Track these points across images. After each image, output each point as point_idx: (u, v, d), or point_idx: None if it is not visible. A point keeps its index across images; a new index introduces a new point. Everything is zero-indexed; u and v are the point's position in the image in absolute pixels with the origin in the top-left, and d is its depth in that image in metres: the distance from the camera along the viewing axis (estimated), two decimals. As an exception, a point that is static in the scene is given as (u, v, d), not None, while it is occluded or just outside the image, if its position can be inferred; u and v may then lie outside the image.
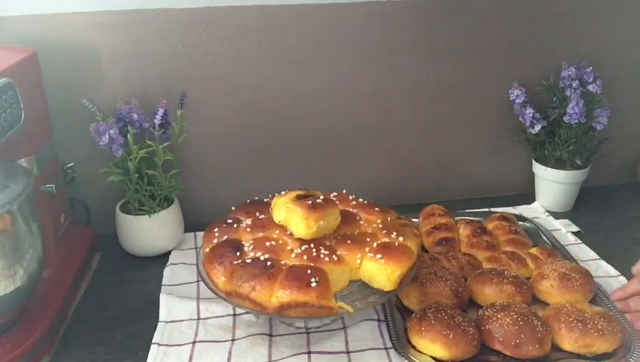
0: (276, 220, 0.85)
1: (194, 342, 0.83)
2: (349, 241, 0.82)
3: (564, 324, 0.78)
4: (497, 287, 0.87)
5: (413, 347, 0.79)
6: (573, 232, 1.12)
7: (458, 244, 1.04)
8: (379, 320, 0.86)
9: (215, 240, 0.85)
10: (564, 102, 1.15)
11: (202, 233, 0.90)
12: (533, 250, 0.99)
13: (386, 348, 0.80)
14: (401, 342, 0.80)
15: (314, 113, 1.16)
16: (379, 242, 0.83)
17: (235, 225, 0.87)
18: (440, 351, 0.76)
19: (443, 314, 0.79)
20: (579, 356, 0.77)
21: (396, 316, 0.85)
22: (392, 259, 0.78)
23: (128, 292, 0.96)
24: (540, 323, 0.78)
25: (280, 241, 0.82)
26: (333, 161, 1.21)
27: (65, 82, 1.03)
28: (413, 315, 0.83)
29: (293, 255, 0.79)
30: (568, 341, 0.77)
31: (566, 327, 0.78)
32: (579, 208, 1.22)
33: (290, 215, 0.82)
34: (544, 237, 1.06)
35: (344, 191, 0.96)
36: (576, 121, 1.12)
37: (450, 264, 0.95)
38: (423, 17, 1.12)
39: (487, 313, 0.81)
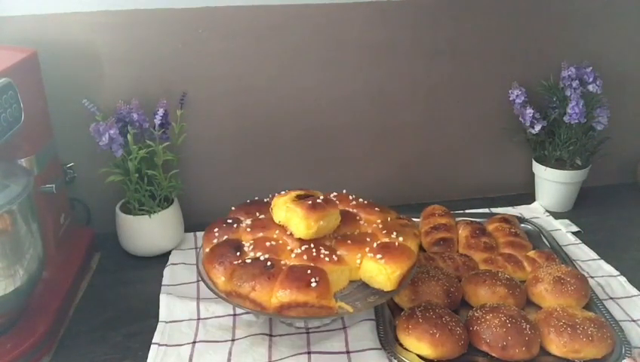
0: (276, 220, 0.85)
1: (194, 342, 0.82)
2: (349, 241, 0.82)
3: (554, 328, 0.78)
4: (490, 289, 0.87)
5: (401, 345, 0.79)
6: (573, 232, 1.12)
7: (456, 245, 1.04)
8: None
9: (215, 240, 0.85)
10: (564, 102, 1.15)
11: (202, 233, 0.90)
12: (532, 253, 0.99)
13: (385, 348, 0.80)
14: (389, 340, 0.80)
15: (314, 113, 1.16)
16: (379, 242, 0.83)
17: (235, 225, 0.87)
18: (426, 350, 0.76)
19: (431, 313, 0.79)
20: (567, 361, 0.77)
21: (386, 314, 0.86)
22: (392, 259, 0.78)
23: (128, 293, 0.96)
24: (528, 326, 0.78)
25: (280, 241, 0.82)
26: (333, 160, 1.21)
27: (65, 82, 1.02)
28: (402, 313, 0.83)
29: (293, 255, 0.79)
30: (557, 345, 0.77)
31: (555, 331, 0.78)
32: (579, 208, 1.22)
33: (290, 215, 0.82)
34: (545, 240, 1.06)
35: (344, 191, 0.96)
36: (576, 121, 1.12)
37: (446, 264, 0.95)
38: (423, 17, 1.12)
39: (476, 314, 0.81)
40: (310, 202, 0.81)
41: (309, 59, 1.11)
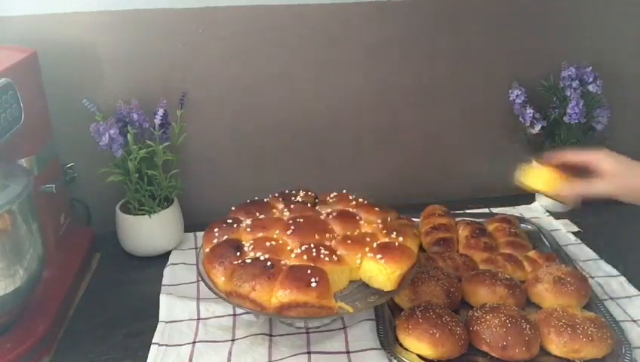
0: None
1: (194, 342, 0.83)
2: (349, 241, 0.82)
3: (554, 328, 0.78)
4: (490, 289, 0.87)
5: (401, 345, 0.79)
6: (573, 232, 1.12)
7: (456, 245, 1.04)
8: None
9: (215, 240, 0.85)
10: (564, 102, 1.15)
11: (202, 233, 0.90)
12: (532, 253, 0.99)
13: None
14: (389, 340, 0.80)
15: (314, 113, 1.15)
16: (379, 242, 0.83)
17: (235, 225, 0.87)
18: (426, 350, 0.76)
19: (431, 313, 0.79)
20: (567, 361, 0.77)
21: (386, 314, 0.86)
22: (392, 259, 0.78)
23: (128, 293, 0.96)
24: (528, 326, 0.78)
25: (280, 241, 0.82)
26: (333, 160, 1.21)
27: (65, 82, 1.02)
28: (402, 313, 0.83)
29: (293, 255, 0.79)
30: (557, 345, 0.77)
31: (555, 332, 0.78)
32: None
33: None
34: (545, 241, 1.06)
35: (344, 191, 0.96)
36: (576, 121, 1.12)
37: (446, 264, 0.95)
38: (423, 17, 1.12)
39: (476, 314, 0.81)
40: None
41: (309, 59, 1.11)
